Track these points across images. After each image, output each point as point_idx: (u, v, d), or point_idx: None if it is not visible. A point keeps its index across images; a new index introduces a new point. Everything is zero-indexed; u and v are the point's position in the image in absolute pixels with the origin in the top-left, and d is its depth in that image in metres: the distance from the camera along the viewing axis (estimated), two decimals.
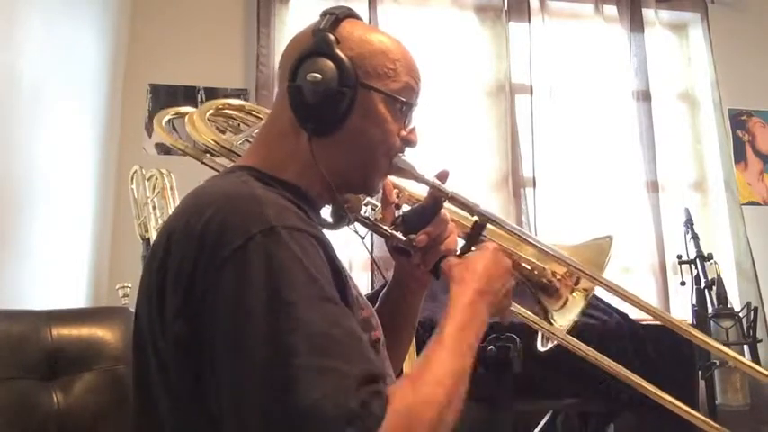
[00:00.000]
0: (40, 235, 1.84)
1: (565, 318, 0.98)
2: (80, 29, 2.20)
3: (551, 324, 0.99)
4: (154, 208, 2.04)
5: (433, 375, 0.70)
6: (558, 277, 1.00)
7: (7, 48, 1.61)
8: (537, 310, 1.01)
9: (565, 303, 0.99)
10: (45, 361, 1.09)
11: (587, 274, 0.96)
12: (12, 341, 1.07)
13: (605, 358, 1.00)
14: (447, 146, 2.81)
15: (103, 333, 1.17)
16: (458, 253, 0.94)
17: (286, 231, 0.70)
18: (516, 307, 0.96)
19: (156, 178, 2.06)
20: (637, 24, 3.06)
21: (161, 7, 2.80)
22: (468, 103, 2.92)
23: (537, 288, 1.02)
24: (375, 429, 0.62)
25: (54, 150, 1.94)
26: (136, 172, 2.12)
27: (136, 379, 0.79)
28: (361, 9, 2.68)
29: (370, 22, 2.70)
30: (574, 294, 0.99)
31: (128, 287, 1.99)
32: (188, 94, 2.72)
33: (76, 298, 2.18)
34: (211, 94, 2.73)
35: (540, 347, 1.02)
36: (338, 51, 0.83)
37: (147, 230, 2.04)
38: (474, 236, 0.94)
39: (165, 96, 2.72)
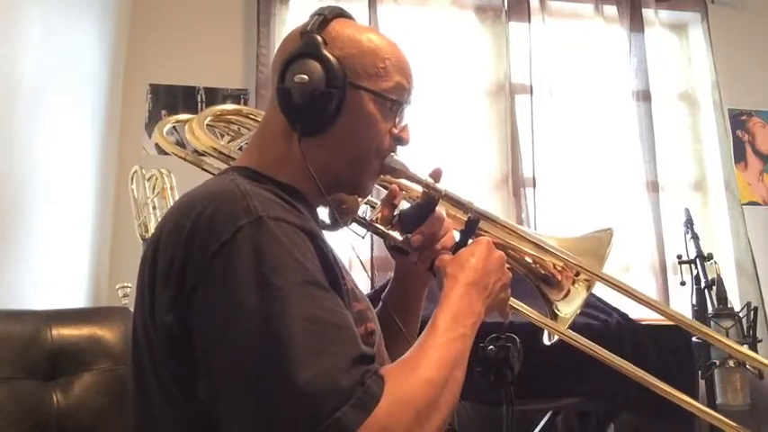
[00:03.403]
0: (40, 235, 1.83)
1: (569, 307, 0.98)
2: (80, 29, 2.19)
3: (557, 314, 0.99)
4: (154, 208, 2.04)
5: (426, 360, 0.71)
6: (559, 269, 0.99)
7: (7, 48, 1.61)
8: (541, 303, 1.01)
9: (567, 294, 0.99)
10: (45, 361, 1.09)
11: (583, 269, 0.95)
12: (12, 341, 1.07)
13: (607, 352, 0.97)
14: (447, 146, 2.81)
15: (103, 333, 1.17)
16: (451, 249, 0.93)
17: (273, 221, 0.70)
18: (516, 302, 0.96)
19: (156, 178, 2.06)
20: (637, 24, 3.06)
21: (161, 7, 2.80)
22: (467, 103, 2.92)
23: (539, 280, 1.01)
24: (372, 406, 0.62)
25: (54, 150, 1.94)
26: (136, 172, 2.12)
27: (134, 375, 0.80)
28: (361, 9, 2.68)
29: (369, 22, 2.68)
30: (576, 285, 0.99)
31: (128, 287, 1.99)
32: (188, 94, 2.72)
33: (76, 298, 2.17)
34: (211, 93, 2.73)
35: (546, 341, 1.01)
36: (325, 52, 0.83)
37: (147, 230, 2.03)
38: (468, 232, 0.94)
39: (165, 96, 2.71)
